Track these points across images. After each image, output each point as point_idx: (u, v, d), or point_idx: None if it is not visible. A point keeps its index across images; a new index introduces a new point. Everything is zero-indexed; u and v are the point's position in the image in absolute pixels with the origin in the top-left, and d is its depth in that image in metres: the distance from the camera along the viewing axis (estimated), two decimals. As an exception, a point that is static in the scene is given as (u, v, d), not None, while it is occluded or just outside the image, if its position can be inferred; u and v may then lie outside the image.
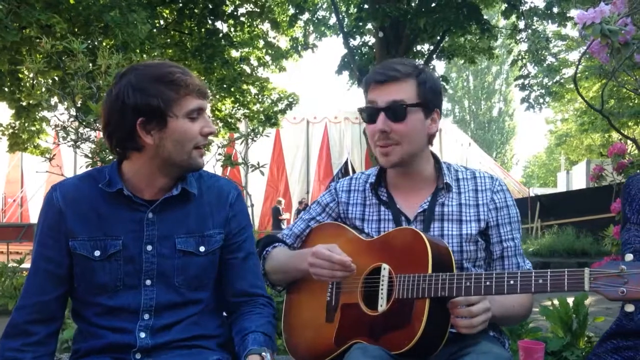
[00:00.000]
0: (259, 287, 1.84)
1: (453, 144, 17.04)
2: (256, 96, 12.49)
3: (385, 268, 1.75)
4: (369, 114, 1.85)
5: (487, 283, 1.58)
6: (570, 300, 3.83)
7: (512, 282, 1.53)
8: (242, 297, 1.81)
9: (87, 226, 1.66)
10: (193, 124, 1.64)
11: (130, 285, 1.66)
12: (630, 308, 1.34)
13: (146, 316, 1.67)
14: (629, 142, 3.92)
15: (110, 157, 3.66)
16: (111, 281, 1.66)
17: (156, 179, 1.69)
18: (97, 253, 1.65)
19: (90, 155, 3.63)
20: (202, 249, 1.73)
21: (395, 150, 1.84)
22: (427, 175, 1.94)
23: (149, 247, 1.68)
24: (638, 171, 3.29)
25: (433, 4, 10.44)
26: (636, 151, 3.54)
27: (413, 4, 10.84)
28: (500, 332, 1.91)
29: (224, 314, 1.89)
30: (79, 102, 3.67)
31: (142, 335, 1.65)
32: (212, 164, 3.92)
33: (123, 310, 1.66)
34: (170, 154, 1.63)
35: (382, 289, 1.74)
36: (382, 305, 1.73)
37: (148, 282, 1.67)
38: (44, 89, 5.03)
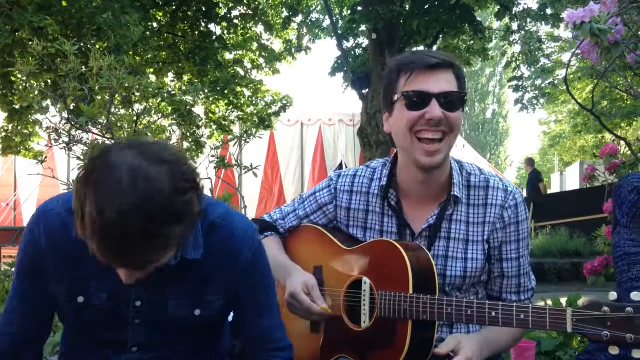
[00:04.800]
0: (277, 341, 1.65)
1: (447, 146, 17.01)
2: (250, 99, 12.46)
3: (366, 282, 1.71)
4: (418, 99, 1.66)
5: (469, 312, 1.54)
6: (563, 300, 3.84)
7: (493, 314, 1.50)
8: (258, 353, 1.65)
9: (70, 273, 1.48)
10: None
11: (118, 324, 1.53)
12: (614, 351, 1.32)
13: (134, 349, 1.55)
14: (621, 142, 3.94)
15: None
16: (97, 322, 1.53)
17: None
18: (80, 299, 1.49)
19: (82, 157, 3.61)
20: (197, 312, 1.53)
21: (442, 147, 1.68)
22: (442, 180, 1.80)
23: (138, 303, 1.50)
24: (630, 171, 3.30)
25: (426, 6, 10.45)
26: (628, 151, 3.55)
27: (406, 6, 10.85)
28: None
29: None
30: (72, 104, 3.65)
31: None
32: (205, 165, 3.92)
33: (110, 343, 1.54)
34: None
35: (364, 305, 1.70)
36: (365, 322, 1.70)
37: (137, 321, 1.53)
38: (36, 92, 5.01)
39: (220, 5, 11.17)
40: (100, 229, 1.18)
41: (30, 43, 3.87)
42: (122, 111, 4.07)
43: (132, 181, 1.18)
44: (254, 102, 12.58)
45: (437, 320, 1.58)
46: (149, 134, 3.76)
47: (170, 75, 11.14)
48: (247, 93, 12.52)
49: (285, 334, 1.67)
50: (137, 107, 4.05)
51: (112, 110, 3.55)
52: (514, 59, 14.20)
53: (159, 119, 4.39)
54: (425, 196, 1.81)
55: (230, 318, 1.82)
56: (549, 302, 3.86)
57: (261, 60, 13.07)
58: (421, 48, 12.11)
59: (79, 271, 1.47)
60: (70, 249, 1.45)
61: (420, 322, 1.59)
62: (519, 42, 13.39)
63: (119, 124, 3.75)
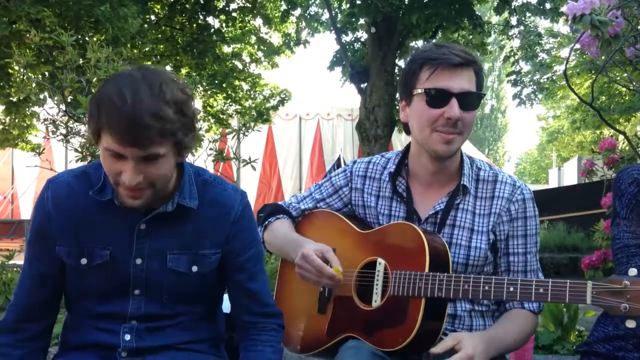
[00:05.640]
0: (267, 306, 1.72)
1: (445, 141, 17.03)
2: (248, 92, 12.44)
3: (381, 263, 1.72)
4: (438, 98, 1.70)
5: (486, 288, 1.55)
6: (561, 294, 3.84)
7: (511, 289, 1.50)
8: (249, 317, 1.71)
9: (75, 233, 1.59)
10: (113, 161, 1.44)
11: (119, 293, 1.61)
12: (631, 324, 1.33)
13: (133, 322, 1.62)
14: (619, 137, 3.94)
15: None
16: (99, 288, 1.61)
17: None
18: (83, 261, 1.59)
19: (80, 149, 3.61)
20: (194, 268, 1.62)
21: (457, 139, 1.73)
22: (452, 171, 1.84)
23: (138, 261, 1.60)
24: (628, 165, 3.30)
25: (425, 0, 10.43)
26: (627, 146, 3.56)
27: (405, 0, 10.82)
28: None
29: (225, 311, 1.84)
30: (69, 96, 3.64)
31: (127, 337, 1.61)
32: (203, 158, 3.91)
33: (110, 317, 1.61)
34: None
35: (377, 284, 1.71)
36: (377, 300, 1.70)
37: (137, 291, 1.61)
38: (33, 84, 5.00)
39: (219, -2, 11.15)
40: (114, 103, 1.36)
41: (28, 34, 3.85)
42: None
43: (141, 71, 1.44)
44: (252, 96, 12.57)
45: (452, 297, 1.59)
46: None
47: (168, 68, 11.11)
48: (245, 87, 12.51)
49: (274, 302, 1.75)
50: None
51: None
52: (512, 54, 14.19)
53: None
54: (434, 184, 1.84)
55: (227, 310, 1.85)
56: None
57: (259, 54, 13.05)
58: (420, 42, 12.11)
59: (83, 233, 1.58)
60: (75, 212, 1.58)
61: (433, 301, 1.60)
62: (518, 36, 13.38)
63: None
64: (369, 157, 2.01)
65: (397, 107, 10.57)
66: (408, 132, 1.86)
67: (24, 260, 1.66)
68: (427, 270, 1.62)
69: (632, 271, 1.35)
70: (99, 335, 1.62)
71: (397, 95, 10.68)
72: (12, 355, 1.58)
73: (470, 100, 1.72)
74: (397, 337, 1.62)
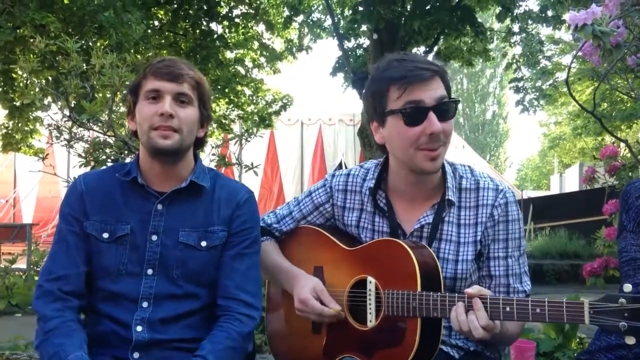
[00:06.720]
0: (245, 292, 1.76)
1: (447, 147, 16.97)
2: (250, 97, 12.47)
3: (372, 282, 1.70)
4: (415, 115, 1.64)
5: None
6: (562, 302, 3.84)
7: (508, 308, 1.47)
8: (223, 301, 1.76)
9: (101, 210, 1.76)
10: (150, 105, 1.70)
11: (133, 272, 1.73)
12: (631, 341, 1.32)
13: (145, 304, 1.70)
14: (621, 144, 3.95)
15: (104, 157, 3.65)
16: (115, 264, 1.73)
17: (155, 168, 1.77)
18: (105, 235, 1.74)
19: (83, 155, 3.62)
20: (203, 243, 1.77)
21: (441, 153, 1.68)
22: (433, 183, 1.79)
23: (154, 237, 1.75)
24: (636, 178, 3.31)
25: (427, 7, 10.45)
26: (628, 153, 3.57)
27: (408, 6, 10.85)
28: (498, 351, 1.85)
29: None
30: (73, 101, 3.66)
31: (139, 328, 1.67)
32: (205, 163, 3.92)
33: (123, 297, 1.71)
34: (140, 138, 1.74)
35: (370, 304, 1.69)
36: (372, 320, 1.68)
37: (149, 271, 1.73)
38: (37, 89, 5.01)
39: (222, 4, 11.17)
40: (157, 60, 1.76)
41: (32, 40, 3.87)
42: (124, 109, 4.08)
43: None
44: (254, 101, 12.59)
45: (448, 317, 1.56)
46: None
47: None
48: (248, 92, 12.53)
49: (258, 298, 1.80)
50: (139, 105, 4.03)
51: (114, 107, 3.56)
52: (514, 61, 14.20)
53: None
54: (417, 198, 1.80)
55: None
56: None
57: (262, 60, 13.07)
58: (422, 49, 12.14)
59: (108, 211, 1.76)
60: (102, 192, 1.78)
61: (429, 320, 1.59)
62: (520, 43, 13.40)
63: (120, 122, 3.75)
64: (347, 169, 1.95)
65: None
66: (384, 152, 1.81)
67: (59, 237, 1.77)
68: (419, 288, 1.59)
69: (627, 287, 1.35)
70: (111, 325, 1.69)
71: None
72: (71, 313, 1.68)
73: (447, 109, 1.67)
74: (396, 357, 1.61)
